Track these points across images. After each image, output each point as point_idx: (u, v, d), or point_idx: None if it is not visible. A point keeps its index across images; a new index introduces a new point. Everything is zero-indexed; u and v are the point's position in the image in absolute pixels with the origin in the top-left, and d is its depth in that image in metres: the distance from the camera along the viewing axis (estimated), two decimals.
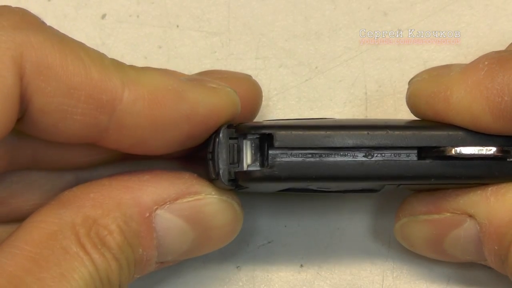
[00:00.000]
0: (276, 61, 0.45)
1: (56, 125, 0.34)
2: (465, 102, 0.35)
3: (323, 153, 0.35)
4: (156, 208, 0.36)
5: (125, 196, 0.36)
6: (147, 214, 0.36)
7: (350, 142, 0.35)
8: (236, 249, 0.43)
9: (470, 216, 0.37)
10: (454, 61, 0.45)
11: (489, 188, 0.37)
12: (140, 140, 0.35)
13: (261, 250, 0.43)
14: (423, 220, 0.38)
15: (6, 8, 0.35)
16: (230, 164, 0.36)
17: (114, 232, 0.35)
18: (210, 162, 0.36)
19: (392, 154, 0.36)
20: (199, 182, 0.37)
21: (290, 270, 0.43)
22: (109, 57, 0.36)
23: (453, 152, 0.35)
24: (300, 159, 0.35)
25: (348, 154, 0.35)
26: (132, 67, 0.35)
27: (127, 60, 0.45)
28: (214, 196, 0.37)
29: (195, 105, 0.35)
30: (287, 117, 0.45)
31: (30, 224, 0.35)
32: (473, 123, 0.35)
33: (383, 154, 0.35)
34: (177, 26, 0.46)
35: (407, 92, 0.38)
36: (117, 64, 0.35)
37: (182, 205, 0.36)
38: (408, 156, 0.36)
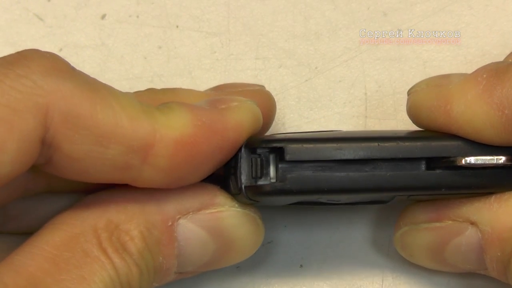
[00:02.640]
0: (276, 61, 0.45)
1: (85, 170, 0.34)
2: (466, 116, 0.35)
3: (334, 166, 0.35)
4: (179, 218, 0.36)
5: (149, 203, 0.36)
6: (170, 223, 0.36)
7: (360, 154, 0.35)
8: None
9: (472, 223, 0.37)
10: (454, 61, 0.45)
11: (492, 195, 0.36)
12: (175, 178, 0.35)
13: (261, 250, 0.43)
14: (424, 228, 0.38)
15: (37, 53, 0.34)
16: (252, 178, 0.35)
17: (135, 238, 0.35)
18: (233, 177, 0.36)
19: (403, 166, 0.35)
20: (222, 194, 0.37)
21: (290, 270, 0.43)
22: (137, 100, 0.35)
23: (463, 162, 0.35)
24: (310, 172, 0.35)
25: (359, 166, 0.35)
26: (159, 109, 0.35)
27: (127, 60, 0.45)
28: (237, 209, 0.37)
29: (225, 133, 0.35)
30: (286, 117, 0.45)
31: (52, 225, 0.35)
32: (476, 137, 0.35)
33: (393, 166, 0.35)
34: (177, 26, 0.46)
35: (407, 103, 0.38)
36: (146, 109, 0.34)
37: (205, 216, 0.36)
38: (417, 167, 0.35)
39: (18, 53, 0.34)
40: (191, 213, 0.36)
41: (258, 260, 0.43)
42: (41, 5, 0.46)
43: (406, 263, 0.42)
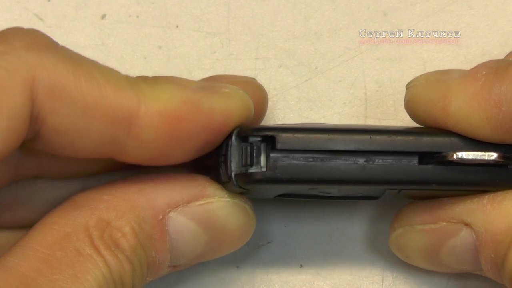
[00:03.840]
0: (276, 61, 0.45)
1: (72, 143, 0.34)
2: (464, 112, 0.35)
3: (325, 157, 0.35)
4: (169, 211, 0.36)
5: (138, 198, 0.36)
6: (161, 217, 0.36)
7: (352, 146, 0.35)
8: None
9: (467, 224, 0.37)
10: (454, 61, 0.45)
11: (486, 196, 0.36)
12: (159, 154, 0.35)
13: (261, 250, 0.43)
14: (419, 230, 0.38)
15: (19, 30, 0.34)
16: (242, 166, 0.35)
17: (127, 234, 0.35)
18: (223, 164, 0.36)
19: (394, 159, 0.35)
20: (211, 185, 0.37)
21: (290, 270, 0.43)
22: (123, 73, 0.35)
23: (454, 157, 0.35)
24: (301, 162, 0.35)
25: (350, 158, 0.35)
26: (145, 81, 0.35)
27: (127, 60, 0.45)
28: (227, 199, 0.37)
29: (212, 114, 0.35)
30: (286, 117, 0.45)
31: (44, 225, 0.35)
32: (472, 133, 0.35)
33: (384, 159, 0.35)
34: (177, 26, 0.46)
35: (405, 97, 0.38)
36: (131, 81, 0.35)
37: (195, 208, 0.36)
38: (409, 161, 0.35)
39: (0, 31, 0.34)
40: (181, 206, 0.36)
41: (258, 260, 0.43)
42: (41, 5, 0.46)
43: (406, 263, 0.42)
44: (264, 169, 0.35)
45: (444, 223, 0.37)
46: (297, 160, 0.35)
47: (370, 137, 0.35)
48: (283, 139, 0.35)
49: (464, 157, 0.35)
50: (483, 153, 0.35)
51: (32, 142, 0.34)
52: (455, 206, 0.37)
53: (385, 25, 0.45)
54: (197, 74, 0.44)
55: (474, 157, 0.35)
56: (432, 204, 0.38)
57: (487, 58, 0.45)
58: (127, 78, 0.35)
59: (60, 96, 0.33)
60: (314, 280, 0.43)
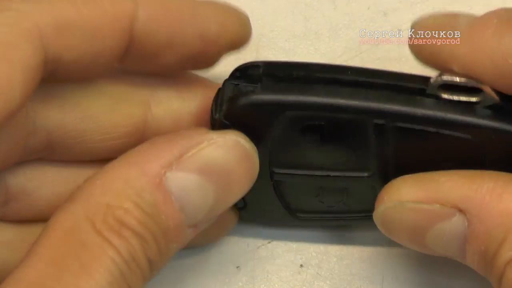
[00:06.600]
0: None
1: (87, 68, 0.36)
2: (470, 59, 0.35)
3: (309, 77, 0.36)
4: (165, 172, 0.35)
5: (130, 171, 0.35)
6: (158, 180, 0.35)
7: (330, 75, 0.36)
8: (236, 249, 0.43)
9: (461, 211, 0.35)
10: None
11: (485, 185, 0.35)
12: (155, 55, 0.37)
13: (261, 250, 0.43)
14: (409, 209, 0.37)
15: None
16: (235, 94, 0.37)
17: (130, 208, 0.34)
18: (213, 103, 0.37)
19: (378, 88, 0.36)
20: (197, 132, 0.36)
21: (290, 270, 0.43)
22: None
23: (438, 80, 0.36)
24: (284, 84, 0.36)
25: (330, 85, 0.36)
26: None
27: None
28: (217, 139, 0.36)
29: (207, 23, 0.37)
30: None
31: (47, 229, 0.34)
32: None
33: (374, 88, 0.36)
34: None
35: (410, 37, 0.38)
36: None
37: (189, 159, 0.35)
38: (393, 91, 0.36)
39: None
40: (174, 162, 0.35)
41: (258, 260, 0.43)
42: None
43: (406, 263, 0.42)
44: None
45: (438, 205, 0.36)
46: (280, 82, 0.36)
47: (349, 72, 0.37)
48: (267, 66, 0.37)
49: (446, 78, 0.36)
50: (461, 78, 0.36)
51: (51, 76, 0.35)
52: (452, 190, 0.36)
53: (385, 25, 0.45)
54: (197, 74, 0.44)
55: (451, 79, 0.36)
56: (428, 183, 0.37)
57: None
58: None
59: (68, 29, 0.34)
60: (314, 280, 0.43)
